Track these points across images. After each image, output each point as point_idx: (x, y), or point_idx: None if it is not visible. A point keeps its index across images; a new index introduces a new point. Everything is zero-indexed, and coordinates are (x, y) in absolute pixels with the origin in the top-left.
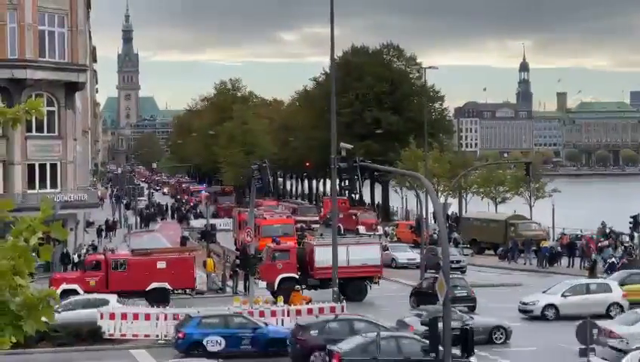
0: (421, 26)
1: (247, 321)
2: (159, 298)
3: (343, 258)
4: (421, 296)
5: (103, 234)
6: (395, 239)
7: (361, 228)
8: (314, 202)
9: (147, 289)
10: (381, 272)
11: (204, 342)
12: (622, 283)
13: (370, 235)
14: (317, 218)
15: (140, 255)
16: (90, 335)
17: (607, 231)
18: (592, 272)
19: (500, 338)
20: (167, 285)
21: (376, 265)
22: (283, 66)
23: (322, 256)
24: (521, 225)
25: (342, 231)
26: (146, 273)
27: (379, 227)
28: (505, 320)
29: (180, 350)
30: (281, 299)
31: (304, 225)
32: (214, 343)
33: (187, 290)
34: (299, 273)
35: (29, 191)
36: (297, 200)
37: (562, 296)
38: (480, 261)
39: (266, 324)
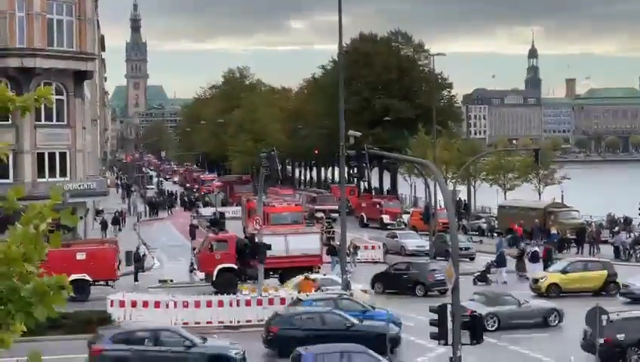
0: (431, 12)
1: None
2: (80, 290)
3: (281, 248)
4: (384, 280)
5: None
6: (403, 227)
7: (385, 218)
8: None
9: None
10: (321, 262)
11: None
12: (564, 272)
13: (394, 224)
14: (336, 206)
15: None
16: (100, 323)
17: (611, 217)
18: (520, 261)
19: (554, 321)
20: (86, 277)
21: (315, 254)
22: (292, 54)
23: None
24: (562, 213)
25: (365, 221)
26: (65, 265)
27: (403, 216)
28: (556, 304)
29: None
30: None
31: (324, 214)
32: None
33: (109, 282)
34: (238, 264)
35: (39, 180)
36: (315, 189)
37: None
38: (488, 248)
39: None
